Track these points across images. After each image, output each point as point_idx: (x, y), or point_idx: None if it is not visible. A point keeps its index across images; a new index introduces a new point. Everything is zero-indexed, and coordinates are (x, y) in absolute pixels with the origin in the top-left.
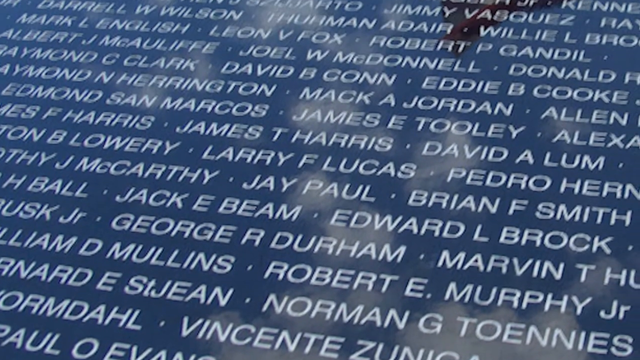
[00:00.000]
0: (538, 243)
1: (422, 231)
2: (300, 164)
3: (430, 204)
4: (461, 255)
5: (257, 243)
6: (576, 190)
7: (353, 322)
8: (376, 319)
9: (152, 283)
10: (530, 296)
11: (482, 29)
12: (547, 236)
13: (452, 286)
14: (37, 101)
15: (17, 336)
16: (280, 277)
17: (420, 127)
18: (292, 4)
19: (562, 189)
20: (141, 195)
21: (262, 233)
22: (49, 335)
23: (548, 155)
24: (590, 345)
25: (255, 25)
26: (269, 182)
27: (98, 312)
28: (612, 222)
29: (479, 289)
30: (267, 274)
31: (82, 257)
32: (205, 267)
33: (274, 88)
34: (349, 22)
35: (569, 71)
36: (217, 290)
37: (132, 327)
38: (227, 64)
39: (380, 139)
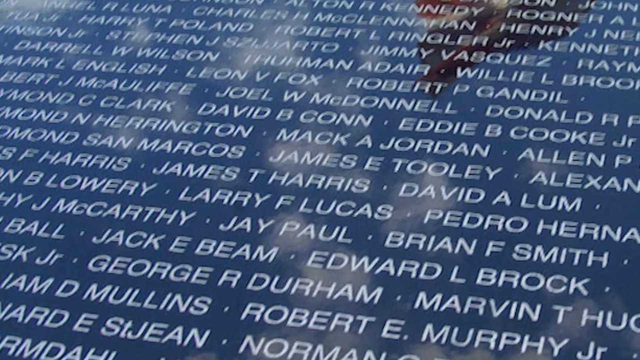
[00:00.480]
0: (515, 284)
1: (399, 272)
2: (277, 206)
3: (407, 245)
4: (438, 297)
5: (233, 284)
6: (553, 232)
7: None
8: None
9: (128, 324)
10: (507, 337)
11: (459, 70)
12: (524, 277)
13: (429, 327)
14: (13, 142)
15: None
16: (257, 318)
17: (397, 169)
18: (268, 45)
19: (539, 231)
20: (118, 236)
21: (238, 274)
22: None
23: (525, 196)
24: None
25: (232, 66)
26: (245, 223)
27: (75, 354)
28: (589, 263)
29: (456, 330)
30: (243, 316)
31: (58, 298)
32: (182, 309)
33: (250, 129)
34: (325, 64)
35: (546, 112)
36: (194, 331)
37: None
38: (204, 105)
39: (357, 180)
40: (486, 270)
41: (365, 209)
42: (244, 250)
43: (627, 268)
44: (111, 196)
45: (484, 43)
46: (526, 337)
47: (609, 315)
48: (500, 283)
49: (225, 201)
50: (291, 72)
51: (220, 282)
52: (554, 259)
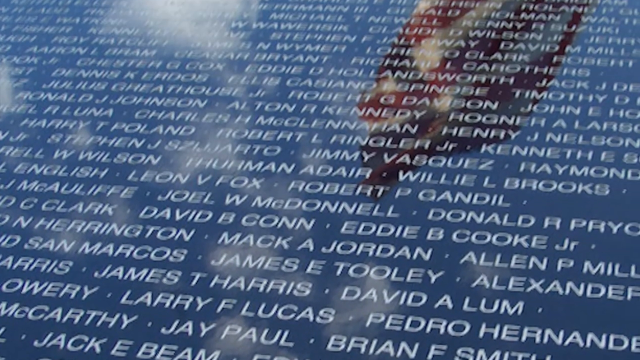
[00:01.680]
0: None
1: None
2: (219, 309)
3: (349, 349)
4: None
5: None
6: (495, 335)
7: None
8: None
9: None
10: None
11: (401, 173)
12: None
13: None
14: None
15: None
16: None
17: (339, 272)
18: (210, 148)
19: (481, 334)
20: (59, 340)
21: None
22: None
23: (467, 300)
24: None
25: (174, 169)
26: (187, 327)
27: None
28: None
29: None
30: None
31: None
32: None
33: (192, 233)
34: (267, 167)
35: (488, 216)
36: None
37: None
38: (145, 208)
39: (299, 284)
40: None
41: (307, 313)
42: (186, 354)
43: None
44: (52, 300)
45: (426, 146)
46: None
47: None
48: None
49: (167, 305)
50: (233, 176)
51: None
52: None
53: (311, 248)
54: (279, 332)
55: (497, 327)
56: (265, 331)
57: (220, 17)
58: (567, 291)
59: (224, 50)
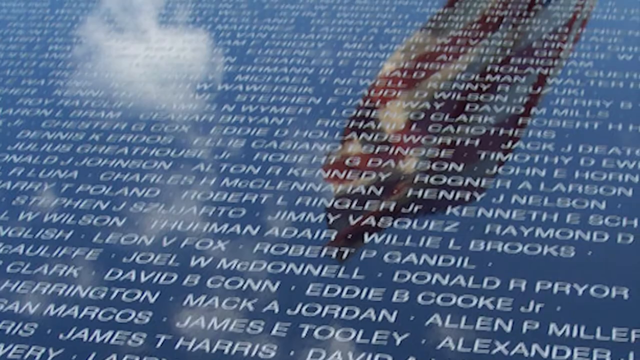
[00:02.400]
0: None
1: None
2: None
3: None
4: None
5: None
6: None
7: None
8: None
9: None
10: None
11: (366, 235)
12: None
13: None
14: None
15: None
16: None
17: (304, 334)
18: (175, 210)
19: None
20: None
21: None
22: None
23: None
24: None
25: (139, 231)
26: None
27: None
28: None
29: None
30: None
31: None
32: None
33: (157, 295)
34: (232, 229)
35: (454, 278)
36: None
37: None
38: (110, 270)
39: (264, 346)
40: None
41: None
42: None
43: None
44: None
45: (392, 208)
46: None
47: None
48: None
49: None
50: (198, 238)
51: None
52: None
53: (276, 310)
54: None
55: None
56: None
57: (185, 79)
58: (533, 353)
59: (189, 112)
